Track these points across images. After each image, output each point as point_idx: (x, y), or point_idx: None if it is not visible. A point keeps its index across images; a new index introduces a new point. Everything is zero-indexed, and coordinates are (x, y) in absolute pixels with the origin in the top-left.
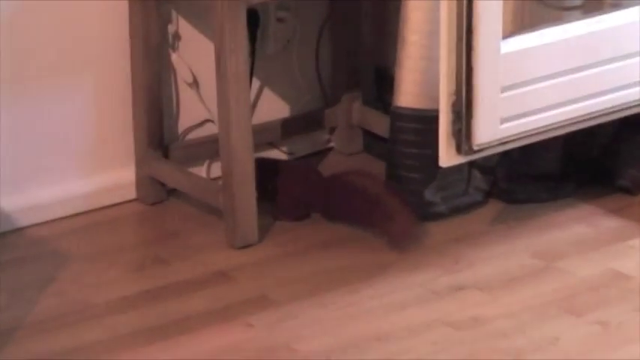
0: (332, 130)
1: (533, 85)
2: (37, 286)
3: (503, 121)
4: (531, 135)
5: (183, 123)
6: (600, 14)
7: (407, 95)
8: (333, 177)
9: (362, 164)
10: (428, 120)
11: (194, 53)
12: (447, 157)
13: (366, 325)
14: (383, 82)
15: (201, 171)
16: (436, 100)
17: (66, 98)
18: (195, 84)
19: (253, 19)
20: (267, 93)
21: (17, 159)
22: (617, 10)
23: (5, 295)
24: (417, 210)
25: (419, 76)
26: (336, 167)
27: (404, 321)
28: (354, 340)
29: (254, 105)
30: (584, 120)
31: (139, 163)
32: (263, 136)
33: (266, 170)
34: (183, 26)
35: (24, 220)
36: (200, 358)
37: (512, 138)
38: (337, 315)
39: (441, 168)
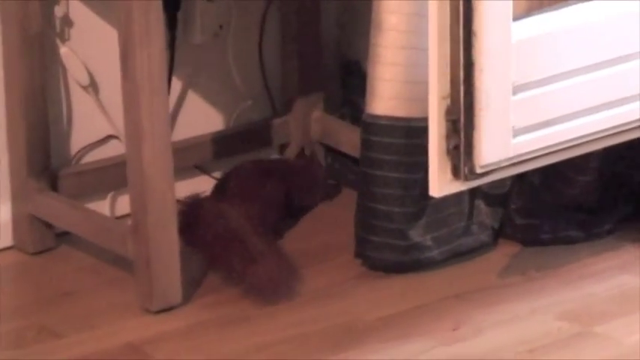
0: (283, 148)
1: (557, 83)
2: None
3: (517, 132)
4: (555, 152)
5: (78, 141)
6: None
7: (384, 99)
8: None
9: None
10: (413, 132)
11: (91, 45)
12: (440, 183)
13: None
14: (351, 81)
15: (103, 207)
16: (424, 105)
17: None
18: (92, 87)
19: None
20: (192, 98)
21: None
22: None
23: None
24: (400, 256)
25: (400, 73)
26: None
27: None
28: None
29: (174, 115)
30: (627, 131)
31: (17, 198)
32: (188, 157)
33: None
34: (75, 8)
35: None
36: None
37: (529, 156)
38: None
39: (432, 198)
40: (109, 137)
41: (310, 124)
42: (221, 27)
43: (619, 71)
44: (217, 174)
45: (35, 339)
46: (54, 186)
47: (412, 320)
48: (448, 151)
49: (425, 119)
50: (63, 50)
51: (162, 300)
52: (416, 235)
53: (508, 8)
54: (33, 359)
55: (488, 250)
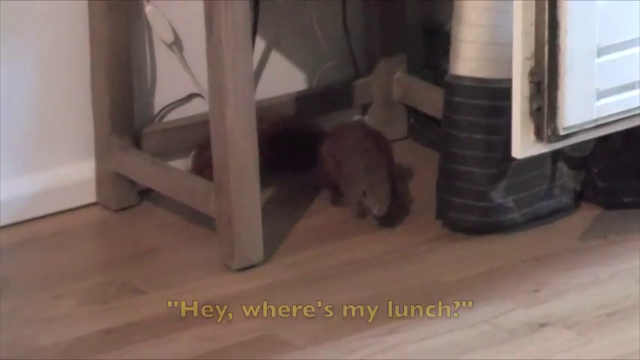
0: (365, 109)
1: None
2: None
3: (601, 95)
4: (638, 114)
5: (161, 99)
6: None
7: (468, 60)
8: None
9: (406, 154)
10: (497, 94)
11: (176, 3)
12: (523, 145)
13: None
14: (435, 42)
15: (185, 164)
16: (508, 66)
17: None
18: (177, 45)
19: None
20: (276, 58)
21: None
22: None
23: None
24: (481, 217)
25: (484, 34)
26: None
27: None
28: None
29: (258, 74)
30: None
31: (101, 155)
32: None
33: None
34: None
35: None
36: None
37: (612, 118)
38: None
39: (514, 160)
40: (193, 95)
41: (392, 85)
42: None
43: None
44: None
45: (117, 295)
46: (137, 144)
47: (492, 282)
48: (531, 113)
49: (508, 81)
50: (148, 8)
51: (243, 258)
52: (497, 196)
53: None
54: (115, 315)
55: (570, 212)
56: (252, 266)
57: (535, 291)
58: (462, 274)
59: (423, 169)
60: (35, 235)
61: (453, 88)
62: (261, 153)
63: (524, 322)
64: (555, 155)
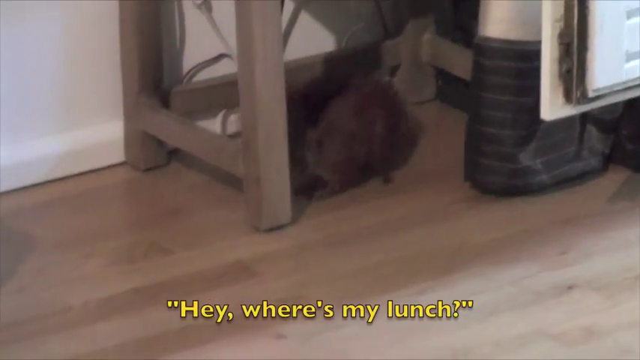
0: (394, 70)
1: None
2: None
3: (630, 57)
4: None
5: (190, 59)
6: None
7: (497, 22)
8: None
9: (434, 116)
10: (526, 56)
11: None
12: (552, 106)
13: (438, 338)
14: (465, 4)
15: (214, 125)
16: (537, 28)
17: (27, 26)
18: (206, 5)
19: None
20: (305, 19)
21: None
22: None
23: None
24: (509, 179)
25: None
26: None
27: (491, 333)
28: None
29: (287, 35)
30: None
31: (129, 115)
32: (299, 77)
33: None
34: None
35: None
36: None
37: None
38: (397, 324)
39: (543, 122)
40: (222, 56)
41: (421, 47)
42: None
43: None
44: None
45: (145, 255)
46: (166, 104)
47: (520, 244)
48: (560, 75)
49: (538, 42)
50: None
51: (271, 219)
52: (526, 158)
53: None
54: (143, 274)
55: (598, 175)
56: (279, 227)
57: (563, 253)
58: (489, 236)
59: (451, 131)
60: (63, 195)
61: (483, 49)
62: (290, 114)
63: (551, 284)
64: (584, 118)
